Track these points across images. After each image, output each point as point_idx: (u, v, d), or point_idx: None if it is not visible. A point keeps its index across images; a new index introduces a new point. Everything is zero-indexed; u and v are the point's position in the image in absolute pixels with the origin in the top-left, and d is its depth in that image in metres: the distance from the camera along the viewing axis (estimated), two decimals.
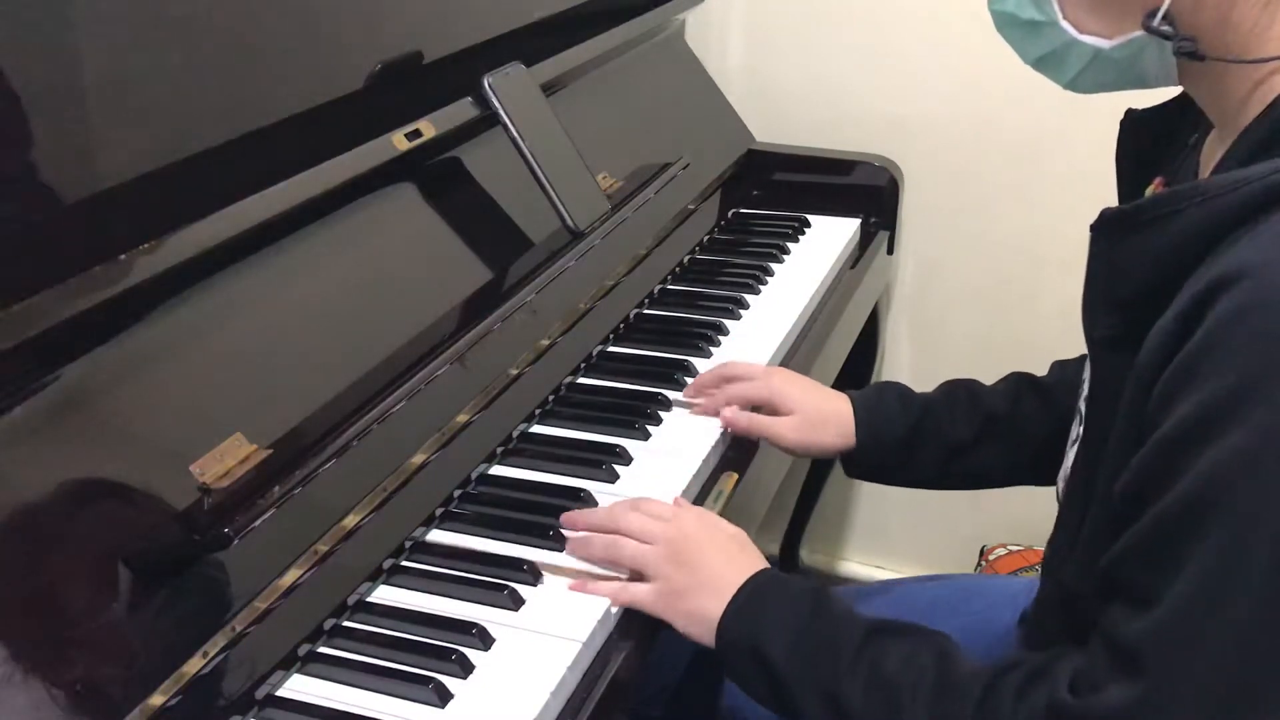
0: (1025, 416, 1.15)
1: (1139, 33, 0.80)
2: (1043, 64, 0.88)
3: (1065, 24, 0.83)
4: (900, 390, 1.21)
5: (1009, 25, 0.87)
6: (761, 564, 0.96)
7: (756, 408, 1.22)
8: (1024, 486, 1.23)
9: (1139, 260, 0.77)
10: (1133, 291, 0.78)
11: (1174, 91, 0.90)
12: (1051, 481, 1.18)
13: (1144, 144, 0.94)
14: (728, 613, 0.92)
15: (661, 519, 1.00)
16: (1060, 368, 1.19)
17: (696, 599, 0.94)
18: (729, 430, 1.21)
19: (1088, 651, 0.77)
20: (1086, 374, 0.93)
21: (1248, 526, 0.67)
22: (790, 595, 0.92)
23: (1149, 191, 0.92)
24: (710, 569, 0.95)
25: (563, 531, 1.03)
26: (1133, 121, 0.95)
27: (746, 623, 0.91)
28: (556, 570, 1.00)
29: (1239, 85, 0.78)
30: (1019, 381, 1.19)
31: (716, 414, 1.22)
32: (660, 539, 0.97)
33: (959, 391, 1.19)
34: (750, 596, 0.92)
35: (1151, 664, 0.70)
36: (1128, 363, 0.78)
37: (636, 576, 0.98)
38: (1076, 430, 0.94)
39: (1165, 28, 0.77)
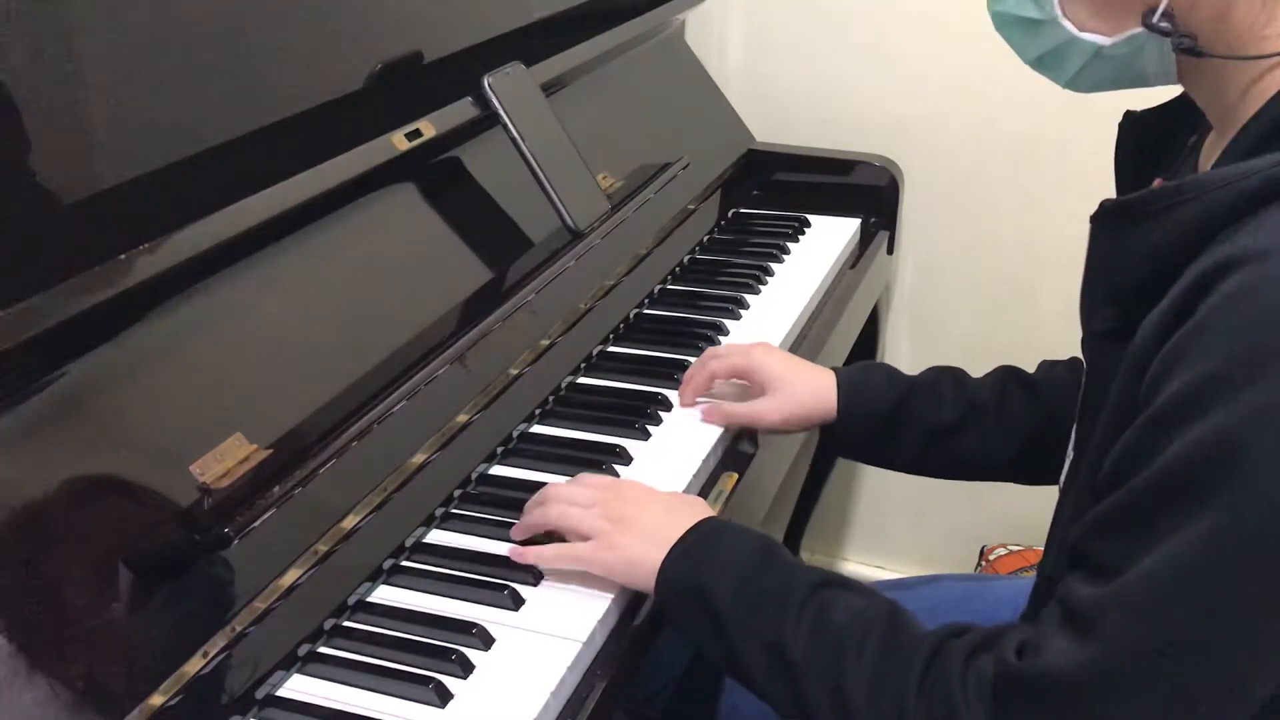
0: (1010, 409, 1.15)
1: (1138, 30, 0.80)
2: (1042, 63, 0.88)
3: (1065, 21, 0.83)
4: (888, 369, 1.21)
5: (1008, 25, 0.87)
6: (707, 513, 0.96)
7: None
8: (1019, 487, 1.23)
9: (1138, 252, 0.77)
10: (1131, 283, 0.78)
11: (1172, 92, 0.90)
12: (1031, 481, 1.18)
13: (1143, 145, 0.94)
14: (670, 556, 0.91)
15: (597, 486, 1.00)
16: (1049, 366, 1.19)
17: (635, 548, 0.93)
18: (710, 424, 1.21)
19: (1040, 617, 0.77)
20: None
21: (1233, 506, 0.67)
22: (738, 539, 0.91)
23: None
24: (649, 521, 0.95)
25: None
26: (1132, 123, 0.95)
27: (690, 565, 0.90)
28: (556, 570, 1.00)
29: (1237, 82, 0.78)
30: (1007, 375, 1.19)
31: (697, 401, 1.23)
32: (595, 501, 0.97)
33: (945, 376, 1.18)
34: (697, 541, 0.92)
35: (1110, 629, 0.70)
36: (1123, 356, 0.78)
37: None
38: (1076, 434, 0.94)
39: (1164, 25, 0.78)
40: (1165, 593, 0.69)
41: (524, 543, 1.00)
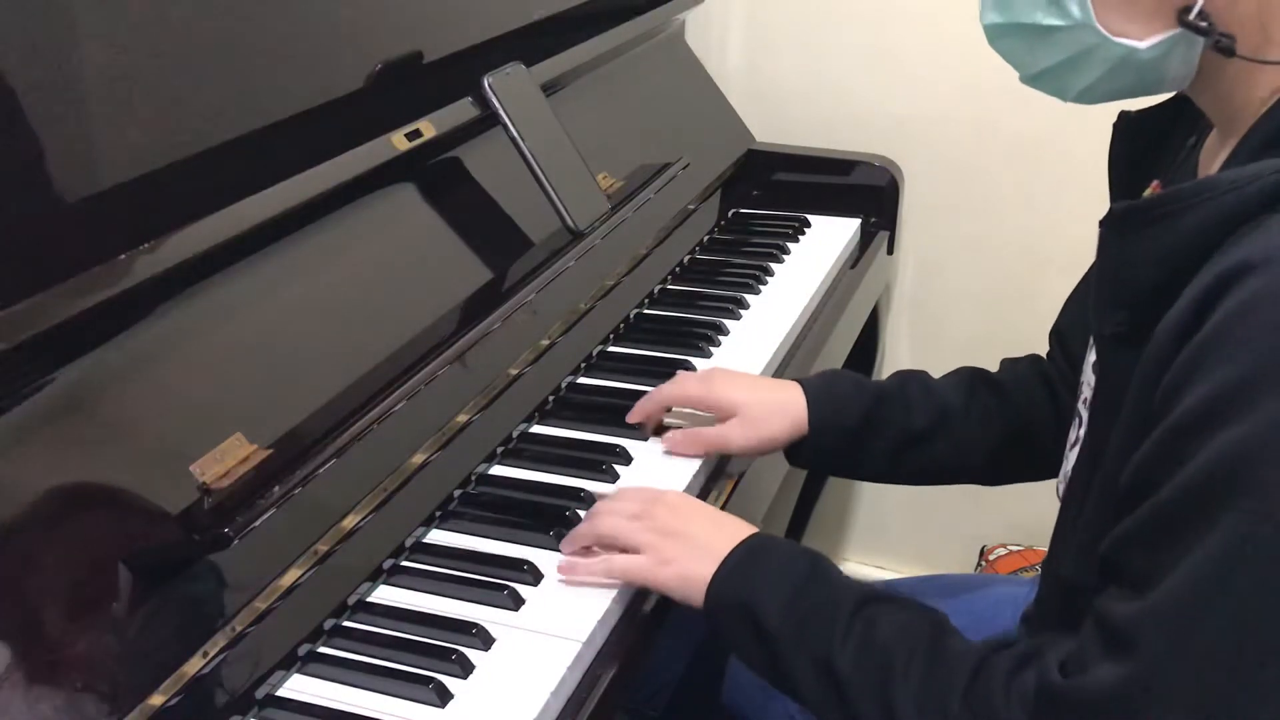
0: (979, 412, 1.14)
1: (1175, 30, 0.78)
2: (1049, 75, 0.85)
3: (1098, 25, 0.80)
4: (854, 377, 1.19)
5: (1011, 36, 0.84)
6: (752, 529, 0.95)
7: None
8: (1020, 487, 1.22)
9: (1149, 256, 0.76)
10: (1142, 287, 0.78)
11: (1162, 95, 0.89)
12: (995, 482, 1.18)
13: (1138, 146, 0.93)
14: (719, 572, 0.91)
15: (643, 498, 0.99)
16: (1011, 364, 1.18)
17: (686, 563, 0.93)
18: (673, 454, 1.16)
19: (1080, 634, 0.77)
20: (1086, 377, 0.93)
21: (1254, 515, 0.67)
22: (785, 556, 0.91)
23: (1147, 193, 0.91)
24: (699, 535, 0.95)
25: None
26: (1126, 123, 0.94)
27: (739, 582, 0.90)
28: (557, 571, 0.99)
29: (1254, 85, 0.78)
30: (973, 376, 1.17)
31: (652, 424, 1.19)
32: (644, 513, 0.97)
33: (913, 382, 1.17)
34: (744, 557, 0.92)
35: (1145, 645, 0.70)
36: (1135, 361, 0.78)
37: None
38: (1076, 433, 0.94)
39: (1202, 24, 0.76)
40: (1196, 605, 0.69)
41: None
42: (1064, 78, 0.85)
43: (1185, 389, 0.70)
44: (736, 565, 0.91)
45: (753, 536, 0.94)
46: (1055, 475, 1.10)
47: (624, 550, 0.97)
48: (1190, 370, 0.70)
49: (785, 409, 1.14)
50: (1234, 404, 0.68)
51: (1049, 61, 0.84)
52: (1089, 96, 0.85)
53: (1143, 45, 0.80)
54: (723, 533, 0.94)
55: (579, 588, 0.98)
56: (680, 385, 1.18)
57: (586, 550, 1.00)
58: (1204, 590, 0.69)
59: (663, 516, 0.96)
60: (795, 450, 1.16)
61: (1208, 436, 0.69)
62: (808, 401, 1.14)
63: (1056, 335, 1.15)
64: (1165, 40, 0.79)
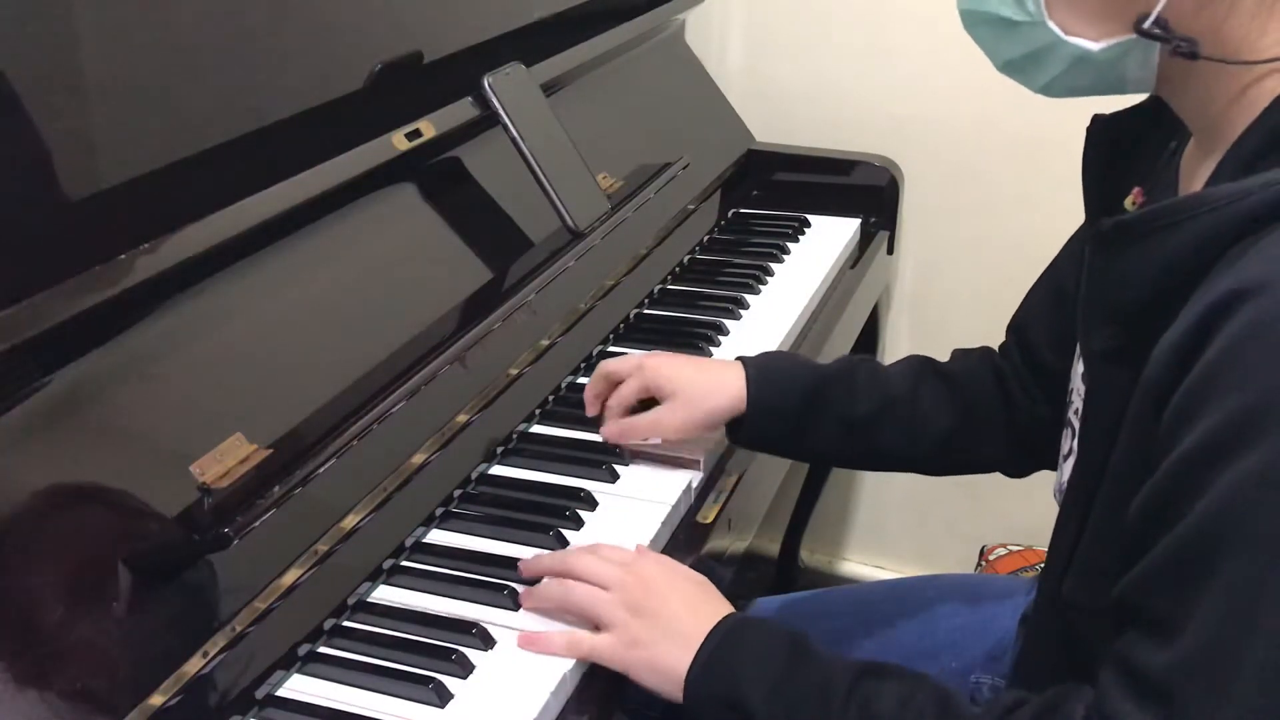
0: (927, 401, 1.12)
1: (1129, 36, 0.78)
2: (1015, 66, 0.85)
3: (1051, 24, 0.80)
4: (798, 358, 1.17)
5: (981, 24, 0.84)
6: (727, 609, 0.91)
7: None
8: (1020, 487, 1.22)
9: (1140, 272, 0.75)
10: (1133, 303, 0.77)
11: (1139, 96, 0.88)
12: (947, 472, 1.17)
13: (1114, 151, 0.91)
14: (696, 663, 0.86)
15: (617, 563, 0.94)
16: (963, 355, 1.17)
17: (658, 648, 0.88)
18: (617, 449, 1.15)
19: (1102, 683, 0.74)
20: (1076, 384, 0.92)
21: (1273, 546, 0.66)
22: (764, 639, 0.87)
23: (1129, 201, 0.89)
24: (672, 616, 0.89)
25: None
26: (1100, 127, 0.92)
27: (719, 672, 0.86)
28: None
29: (1225, 91, 0.77)
30: (922, 365, 1.16)
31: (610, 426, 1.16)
32: (616, 584, 0.92)
33: (860, 367, 1.15)
34: (720, 644, 0.87)
35: (1183, 697, 0.68)
36: (1128, 376, 0.77)
37: (594, 628, 0.92)
38: (1070, 444, 0.93)
39: (1157, 31, 0.76)
40: (1228, 649, 0.67)
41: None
42: (1027, 70, 0.84)
43: (1192, 419, 0.69)
44: (714, 654, 0.86)
45: (726, 620, 0.89)
46: (1005, 470, 1.10)
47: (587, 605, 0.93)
48: (1196, 399, 0.69)
49: (724, 386, 1.12)
50: (1245, 434, 0.66)
51: (1013, 53, 0.84)
52: (1052, 90, 0.85)
53: (1095, 47, 0.79)
54: (696, 615, 0.89)
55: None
56: (622, 390, 1.14)
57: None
58: (1233, 632, 0.67)
59: (635, 591, 0.91)
60: (735, 428, 1.14)
61: (1219, 469, 0.67)
62: (747, 379, 1.12)
63: (1014, 330, 1.14)
64: (1120, 43, 0.79)
